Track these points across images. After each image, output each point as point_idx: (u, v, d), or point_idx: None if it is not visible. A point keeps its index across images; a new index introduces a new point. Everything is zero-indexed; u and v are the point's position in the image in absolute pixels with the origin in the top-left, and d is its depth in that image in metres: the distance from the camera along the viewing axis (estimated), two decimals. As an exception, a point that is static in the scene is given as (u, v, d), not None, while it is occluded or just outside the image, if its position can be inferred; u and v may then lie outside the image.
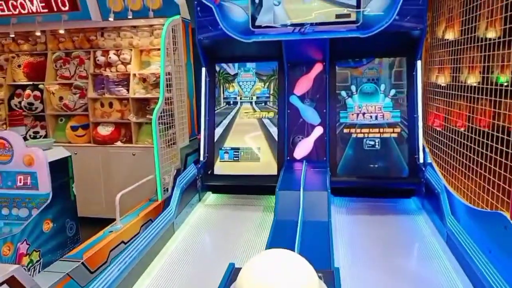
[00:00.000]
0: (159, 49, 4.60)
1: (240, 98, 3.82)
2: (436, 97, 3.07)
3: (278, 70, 3.76)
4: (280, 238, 2.38)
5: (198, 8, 3.48)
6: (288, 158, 3.63)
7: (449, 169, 2.66)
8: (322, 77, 3.66)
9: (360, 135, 3.54)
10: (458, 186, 2.51)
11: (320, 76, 3.67)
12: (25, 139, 3.39)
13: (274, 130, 3.72)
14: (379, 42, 3.38)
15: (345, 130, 3.57)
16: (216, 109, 3.84)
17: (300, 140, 3.66)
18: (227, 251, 2.66)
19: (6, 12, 4.60)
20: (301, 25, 3.24)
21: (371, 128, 3.53)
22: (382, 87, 3.52)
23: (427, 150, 3.22)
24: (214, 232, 3.08)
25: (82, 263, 2.62)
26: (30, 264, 2.96)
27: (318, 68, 3.68)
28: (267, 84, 3.79)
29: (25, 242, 2.91)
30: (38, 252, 3.03)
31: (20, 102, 5.00)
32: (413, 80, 3.42)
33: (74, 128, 4.91)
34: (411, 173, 3.39)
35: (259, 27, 3.33)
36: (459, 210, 2.40)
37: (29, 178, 3.13)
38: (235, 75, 3.84)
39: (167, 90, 4.57)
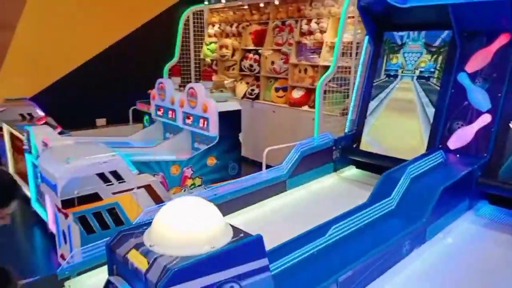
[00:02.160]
0: (353, 17, 4.59)
1: (402, 72, 3.45)
2: None
3: (450, 41, 3.15)
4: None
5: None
6: (441, 146, 3.09)
7: None
8: (506, 52, 2.82)
9: (545, 133, 2.60)
10: None
11: (503, 51, 2.84)
12: (209, 92, 4.27)
13: (431, 111, 3.21)
14: None
15: (524, 123, 2.70)
16: (375, 81, 3.62)
17: (459, 127, 3.02)
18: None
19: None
20: (468, -17, 2.61)
21: None
22: None
23: None
24: (327, 203, 3.09)
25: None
26: (193, 186, 3.89)
27: (502, 40, 2.84)
28: (435, 57, 3.25)
29: (190, 169, 3.84)
30: (200, 179, 3.93)
31: (245, 64, 6.12)
32: None
33: (276, 90, 5.64)
34: None
35: (419, -11, 2.89)
36: None
37: (205, 122, 4.01)
38: (402, 45, 3.46)
39: (351, 58, 4.59)
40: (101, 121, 6.33)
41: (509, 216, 2.65)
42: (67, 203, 2.68)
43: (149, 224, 1.49)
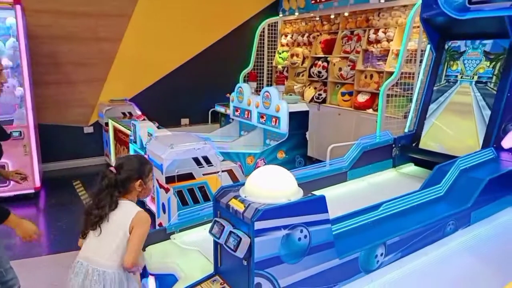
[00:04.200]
0: (419, 27, 4.90)
1: (461, 77, 3.72)
2: None
3: (509, 49, 3.39)
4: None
5: (424, -13, 3.66)
6: (495, 146, 3.33)
7: None
8: (562, 58, 3.03)
9: None
10: None
11: (559, 57, 3.05)
12: (281, 95, 4.82)
13: (487, 114, 3.46)
14: None
15: None
16: (436, 85, 3.93)
17: (513, 128, 3.25)
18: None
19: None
20: (521, -3, 2.89)
21: None
22: None
23: None
24: (383, 192, 3.46)
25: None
26: (264, 176, 4.46)
27: (559, 46, 3.05)
28: (493, 63, 3.49)
29: (263, 160, 4.42)
30: (271, 170, 4.48)
31: (314, 71, 6.61)
32: None
33: (343, 94, 6.06)
34: None
35: (476, 3, 3.20)
36: None
37: (277, 120, 4.57)
38: (462, 53, 3.74)
39: (415, 65, 4.91)
40: (185, 121, 7.19)
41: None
42: (170, 179, 3.39)
43: (242, 184, 2.06)
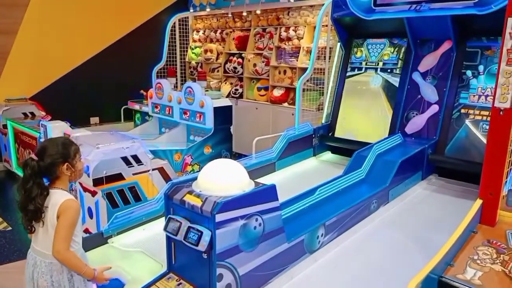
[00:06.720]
0: (326, 26, 5.29)
1: (366, 64, 4.13)
2: None
3: (407, 47, 3.88)
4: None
5: (336, -11, 3.99)
6: (399, 132, 3.80)
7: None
8: (449, 55, 3.58)
9: (478, 118, 3.36)
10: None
11: (447, 54, 3.60)
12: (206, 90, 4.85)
13: (392, 102, 3.93)
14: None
15: (462, 111, 3.45)
16: (346, 78, 4.31)
17: (414, 116, 3.76)
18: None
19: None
20: (418, 2, 3.33)
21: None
22: (512, 68, 3.19)
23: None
24: (309, 180, 3.72)
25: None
26: (192, 171, 4.45)
27: (446, 45, 3.60)
28: (397, 49, 3.94)
29: (190, 156, 4.40)
30: (198, 165, 4.49)
31: (229, 66, 6.72)
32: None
33: (259, 89, 6.27)
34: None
35: (381, 5, 3.60)
36: None
37: (202, 116, 4.58)
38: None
39: (325, 61, 5.28)
40: (94, 119, 6.74)
41: (451, 184, 3.40)
42: (97, 181, 3.19)
43: (194, 179, 2.07)
